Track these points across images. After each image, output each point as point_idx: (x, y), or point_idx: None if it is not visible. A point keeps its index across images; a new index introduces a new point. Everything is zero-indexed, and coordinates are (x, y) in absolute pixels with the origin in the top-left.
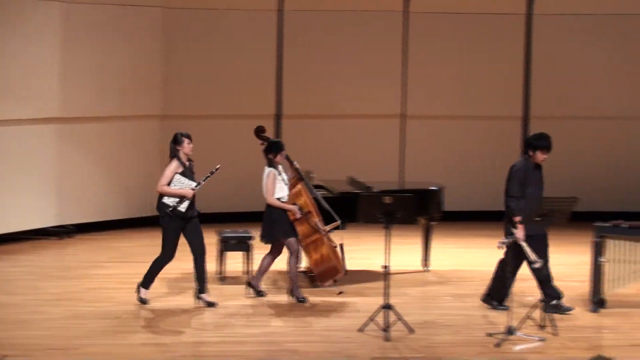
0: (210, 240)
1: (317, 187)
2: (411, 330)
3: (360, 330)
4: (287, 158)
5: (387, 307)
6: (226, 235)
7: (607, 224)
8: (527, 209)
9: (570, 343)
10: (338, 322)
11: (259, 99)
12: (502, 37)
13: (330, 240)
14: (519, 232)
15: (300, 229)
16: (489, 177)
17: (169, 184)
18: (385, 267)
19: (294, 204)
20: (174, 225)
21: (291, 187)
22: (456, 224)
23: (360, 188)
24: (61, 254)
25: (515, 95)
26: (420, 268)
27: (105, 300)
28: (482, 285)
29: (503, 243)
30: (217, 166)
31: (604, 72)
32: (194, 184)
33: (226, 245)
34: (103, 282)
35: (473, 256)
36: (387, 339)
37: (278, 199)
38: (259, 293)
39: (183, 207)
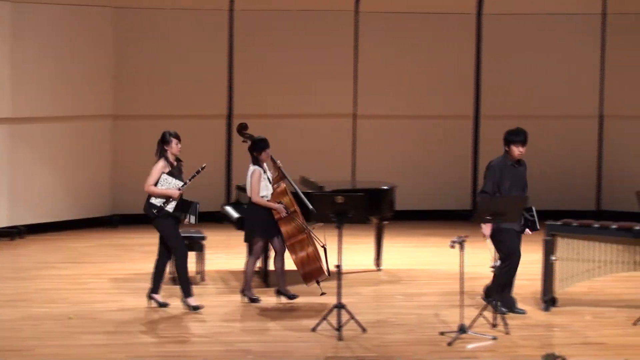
0: None
1: None
2: (364, 330)
3: (313, 330)
4: (270, 157)
5: (339, 306)
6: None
7: (558, 223)
8: None
9: (521, 341)
10: (291, 322)
11: (210, 99)
12: (452, 36)
13: (317, 239)
14: (485, 230)
15: (285, 228)
16: (441, 176)
17: (156, 184)
18: (338, 266)
19: (279, 202)
20: (168, 222)
21: (274, 185)
22: (408, 223)
23: (313, 188)
24: (13, 254)
25: (466, 95)
26: (373, 267)
27: (58, 301)
28: (434, 284)
29: (455, 242)
30: (203, 165)
31: (553, 71)
32: (181, 183)
33: None
34: (56, 282)
35: (425, 255)
36: (340, 339)
37: (262, 197)
38: (291, 297)
39: (170, 208)
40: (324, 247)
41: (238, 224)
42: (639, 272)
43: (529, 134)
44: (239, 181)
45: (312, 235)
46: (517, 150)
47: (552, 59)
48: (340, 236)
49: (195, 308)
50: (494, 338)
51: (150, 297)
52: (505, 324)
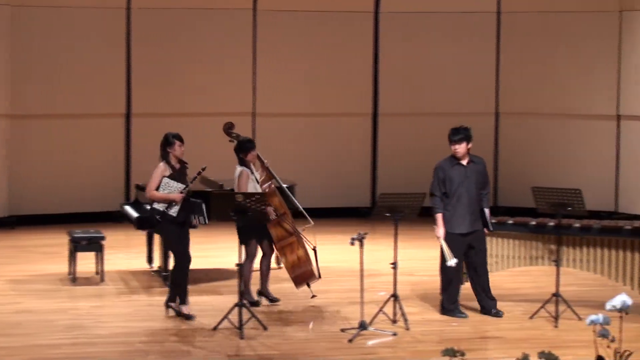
0: (62, 240)
1: None
2: (265, 328)
3: (215, 328)
4: (258, 157)
5: (241, 305)
6: (77, 235)
7: None
8: (450, 206)
9: (421, 337)
10: (193, 321)
11: (108, 98)
12: (351, 34)
13: (308, 241)
14: (437, 230)
15: (275, 231)
16: (340, 174)
17: (157, 188)
18: (239, 265)
19: (268, 205)
20: (172, 229)
21: (264, 186)
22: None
23: (212, 186)
24: None
25: (364, 93)
26: (273, 265)
27: None
28: (334, 281)
29: (354, 239)
30: (204, 166)
31: (450, 69)
32: (182, 186)
33: (77, 246)
34: None
35: (325, 252)
36: (241, 337)
37: None
38: (273, 300)
39: (173, 212)
40: (314, 249)
41: (137, 224)
42: (535, 267)
43: (426, 131)
44: (138, 180)
45: (302, 237)
46: (453, 148)
47: (449, 57)
48: (239, 235)
49: (188, 317)
50: (394, 334)
51: (168, 306)
52: (405, 320)
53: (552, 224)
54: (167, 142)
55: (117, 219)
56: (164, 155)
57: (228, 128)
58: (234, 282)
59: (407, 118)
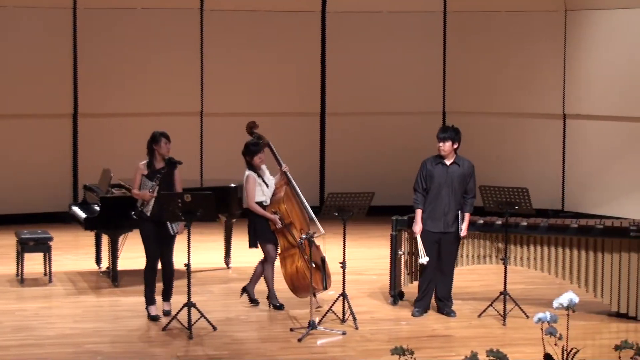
0: (9, 242)
1: (117, 186)
2: (214, 328)
3: (164, 329)
4: (277, 160)
5: (190, 305)
6: (24, 236)
7: (404, 218)
8: (428, 203)
9: (370, 335)
10: (141, 321)
11: (55, 98)
12: (298, 34)
13: (318, 250)
14: (415, 226)
15: (280, 240)
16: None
17: (140, 188)
18: (187, 265)
19: (274, 212)
20: (145, 227)
21: (277, 192)
22: None
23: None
24: None
25: (312, 92)
26: (223, 265)
27: None
28: (283, 280)
29: (303, 239)
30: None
31: (397, 69)
32: (152, 185)
33: (24, 247)
34: None
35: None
36: (190, 337)
37: (259, 203)
38: (253, 301)
39: (147, 211)
40: (322, 259)
41: (85, 224)
42: (482, 265)
43: (374, 131)
44: (86, 180)
45: (307, 248)
46: (438, 145)
47: (396, 57)
48: (189, 234)
49: (154, 318)
50: (344, 333)
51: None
52: (354, 319)
53: (499, 222)
54: (154, 139)
55: (65, 219)
56: (150, 152)
57: (251, 128)
58: (183, 283)
59: (355, 117)
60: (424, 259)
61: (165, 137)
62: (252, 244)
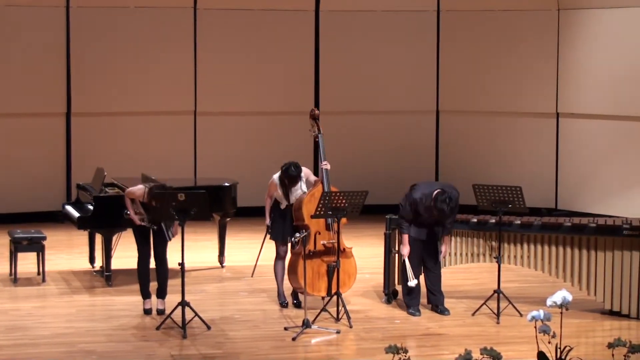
0: (2, 241)
1: (110, 185)
2: (208, 327)
3: (158, 328)
4: (320, 156)
5: (184, 304)
6: (18, 236)
7: (398, 217)
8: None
9: (364, 334)
10: (136, 320)
11: (48, 97)
12: (292, 33)
13: (326, 258)
14: (403, 249)
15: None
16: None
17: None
18: (181, 264)
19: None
20: (137, 225)
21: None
22: (250, 220)
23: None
24: None
25: (306, 91)
26: (217, 264)
27: None
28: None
29: (296, 238)
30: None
31: (391, 68)
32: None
33: (18, 246)
34: None
35: (267, 251)
36: (184, 337)
37: (278, 203)
38: (291, 303)
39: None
40: (335, 266)
41: (79, 224)
42: (475, 264)
43: (367, 130)
44: (79, 180)
45: (301, 246)
46: (436, 213)
47: (390, 56)
48: (182, 233)
49: (147, 312)
50: (338, 332)
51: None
52: (348, 318)
53: (493, 221)
54: None
55: (59, 219)
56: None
57: (314, 117)
58: (177, 282)
59: (349, 116)
60: (412, 282)
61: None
62: (272, 237)
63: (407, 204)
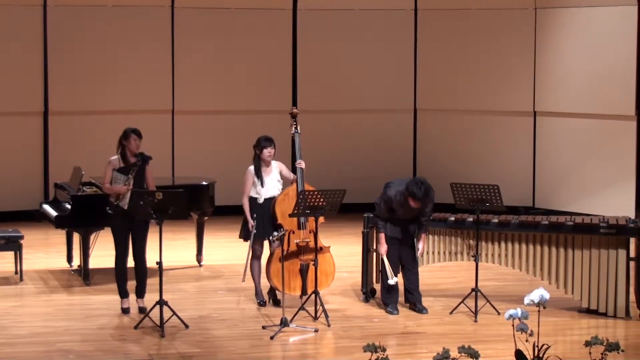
0: None
1: (88, 184)
2: (186, 326)
3: (136, 327)
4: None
5: (161, 303)
6: None
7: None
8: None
9: (342, 333)
10: (113, 319)
11: (25, 96)
12: (269, 32)
13: (305, 257)
14: (380, 248)
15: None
16: None
17: (111, 182)
18: (159, 263)
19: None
20: (118, 222)
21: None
22: (228, 218)
23: None
24: None
25: (284, 90)
26: (194, 263)
27: None
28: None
29: (275, 236)
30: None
31: (368, 66)
32: (126, 178)
33: None
34: None
35: (245, 250)
36: (162, 336)
37: (253, 199)
38: (260, 304)
39: (123, 204)
40: (308, 265)
41: (56, 223)
42: (453, 262)
43: (345, 129)
44: (57, 179)
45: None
46: (413, 204)
47: (368, 54)
48: (160, 232)
49: (124, 311)
50: (316, 330)
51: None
52: (326, 317)
53: (470, 219)
54: (124, 135)
55: (36, 218)
56: (121, 148)
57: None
58: (155, 281)
59: (327, 115)
60: (392, 280)
61: (135, 134)
62: (242, 236)
63: (382, 202)
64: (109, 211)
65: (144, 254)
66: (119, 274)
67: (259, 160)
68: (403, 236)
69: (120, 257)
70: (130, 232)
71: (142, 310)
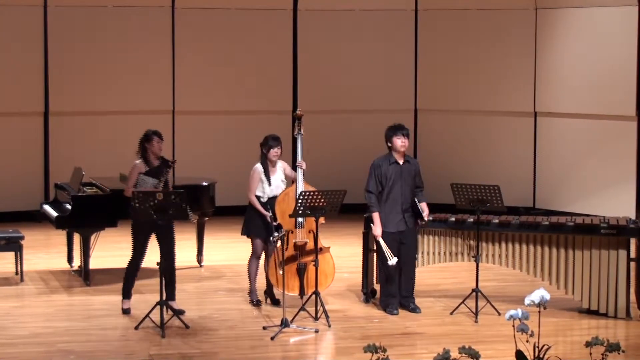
0: None
1: (88, 184)
2: (187, 326)
3: (136, 328)
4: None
5: (162, 303)
6: None
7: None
8: (384, 205)
9: (343, 333)
10: (114, 320)
11: (26, 96)
12: (270, 32)
13: (303, 258)
14: (375, 229)
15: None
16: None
17: (135, 185)
18: (160, 263)
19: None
20: (138, 225)
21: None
22: (228, 219)
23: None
24: None
25: (284, 91)
26: (195, 264)
27: None
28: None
29: (275, 237)
30: (174, 160)
31: (369, 67)
32: (156, 182)
33: None
34: None
35: (246, 250)
36: (163, 336)
37: (257, 198)
38: (255, 304)
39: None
40: (306, 265)
41: (57, 223)
42: (454, 263)
43: (346, 129)
44: (57, 179)
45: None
46: (400, 143)
47: (368, 55)
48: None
49: (125, 312)
50: (316, 331)
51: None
52: (327, 317)
53: (471, 220)
54: (146, 138)
55: (37, 218)
56: (142, 151)
57: (297, 118)
58: (155, 281)
59: (327, 115)
60: (392, 260)
61: (157, 135)
62: (244, 232)
63: (370, 176)
64: (132, 216)
65: (174, 256)
66: (130, 275)
67: (266, 159)
68: (405, 230)
69: (137, 259)
70: (156, 235)
71: (178, 312)
